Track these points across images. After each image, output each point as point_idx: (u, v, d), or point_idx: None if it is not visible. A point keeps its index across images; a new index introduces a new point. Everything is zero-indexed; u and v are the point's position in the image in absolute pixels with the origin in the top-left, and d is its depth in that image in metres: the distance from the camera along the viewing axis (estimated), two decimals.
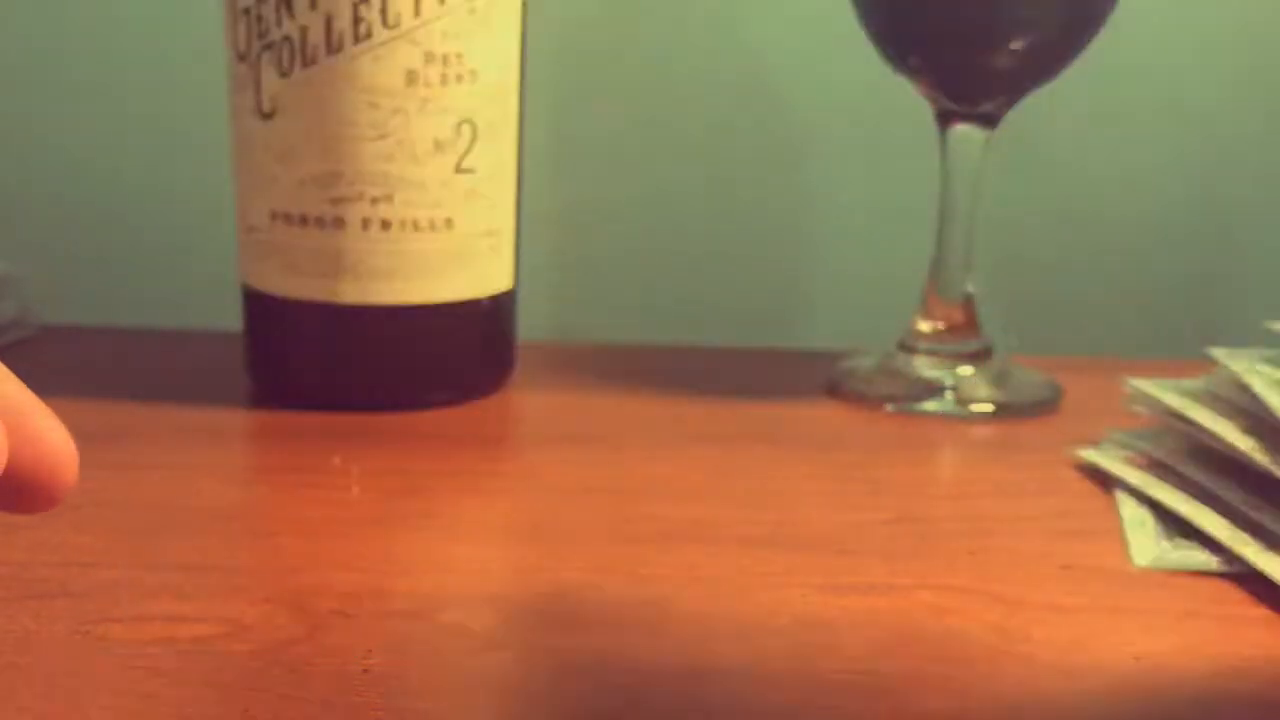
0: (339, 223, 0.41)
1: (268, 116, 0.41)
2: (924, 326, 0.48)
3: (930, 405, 0.46)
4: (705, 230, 0.60)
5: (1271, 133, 0.59)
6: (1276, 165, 0.59)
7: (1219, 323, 0.61)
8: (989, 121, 0.46)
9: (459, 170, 0.42)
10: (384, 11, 0.40)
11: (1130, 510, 0.36)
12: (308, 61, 0.40)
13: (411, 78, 0.40)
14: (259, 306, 0.44)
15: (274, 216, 0.42)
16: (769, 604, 0.30)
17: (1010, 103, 0.45)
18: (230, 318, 0.58)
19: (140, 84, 0.57)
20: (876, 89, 0.57)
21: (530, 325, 0.59)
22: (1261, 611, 0.31)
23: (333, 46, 0.40)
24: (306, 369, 0.44)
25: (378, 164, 0.41)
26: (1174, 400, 0.38)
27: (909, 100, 0.49)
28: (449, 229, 0.42)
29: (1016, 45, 0.43)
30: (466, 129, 0.42)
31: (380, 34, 0.40)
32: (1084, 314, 0.61)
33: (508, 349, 0.47)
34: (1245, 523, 0.33)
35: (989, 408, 0.46)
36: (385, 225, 0.41)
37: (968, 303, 0.48)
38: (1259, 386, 0.34)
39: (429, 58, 0.40)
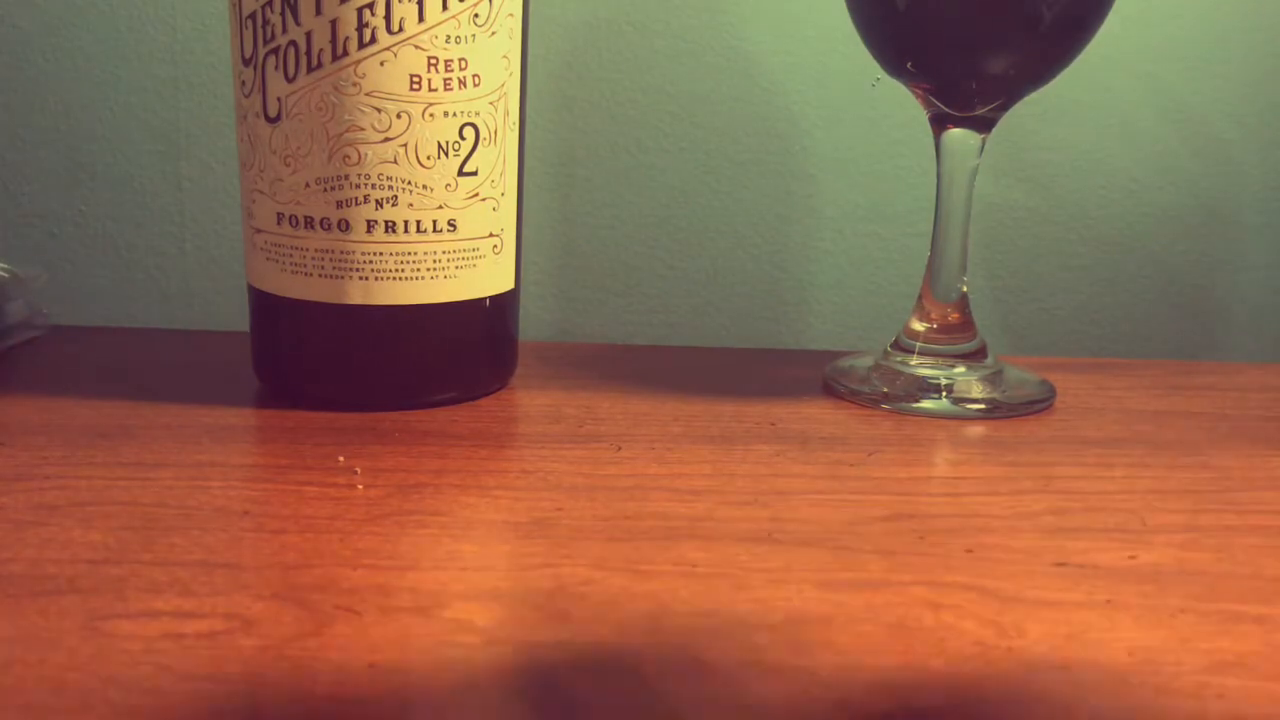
0: (344, 225, 0.42)
1: (274, 120, 0.42)
2: (919, 326, 0.48)
3: (926, 404, 0.46)
4: (704, 231, 0.60)
5: (1268, 134, 0.59)
6: (1273, 166, 0.60)
7: (1213, 325, 0.61)
8: (984, 125, 0.46)
9: (462, 173, 0.42)
10: (388, 17, 0.40)
11: None
12: (313, 66, 0.41)
13: (416, 82, 0.41)
14: (265, 307, 0.44)
15: (280, 218, 0.42)
16: (766, 600, 0.30)
17: (1005, 106, 0.46)
18: (237, 318, 0.58)
19: (148, 86, 0.57)
20: (873, 93, 0.58)
21: (532, 325, 0.59)
22: (1253, 607, 0.31)
23: (338, 52, 0.40)
24: (312, 369, 0.44)
25: (383, 167, 0.41)
26: None
27: (905, 103, 0.49)
28: (452, 231, 0.43)
29: (1011, 50, 0.43)
30: (470, 132, 0.42)
31: (385, 39, 0.40)
32: (1078, 315, 0.61)
33: (510, 349, 0.47)
34: None
35: (983, 406, 0.46)
36: (390, 227, 0.42)
37: (962, 303, 0.48)
38: None
39: (433, 63, 0.41)
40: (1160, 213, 0.60)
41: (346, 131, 0.41)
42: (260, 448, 0.40)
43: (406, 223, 0.42)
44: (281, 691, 0.25)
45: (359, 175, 0.41)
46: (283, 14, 0.40)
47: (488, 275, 0.44)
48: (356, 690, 0.25)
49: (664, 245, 0.60)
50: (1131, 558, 0.34)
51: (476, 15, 0.41)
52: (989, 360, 0.48)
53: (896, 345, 0.49)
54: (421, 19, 0.40)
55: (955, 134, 0.46)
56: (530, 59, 0.45)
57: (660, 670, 0.27)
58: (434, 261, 0.42)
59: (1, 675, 0.26)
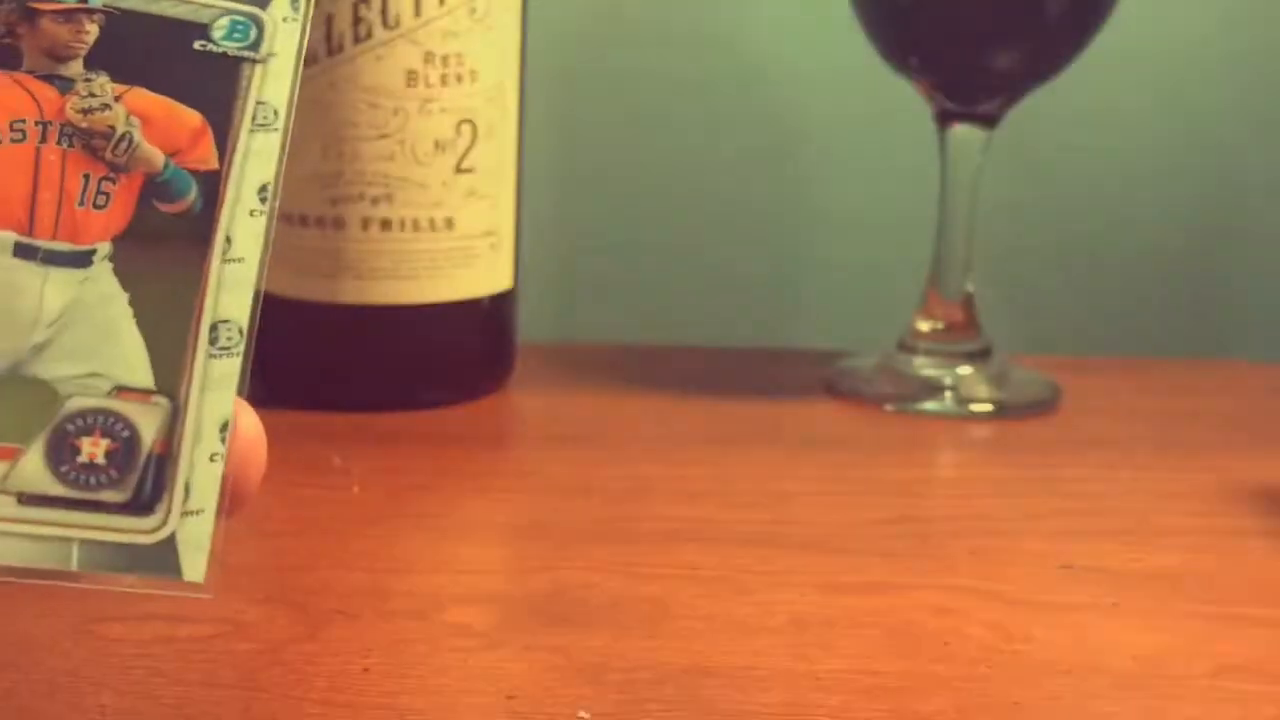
0: (339, 222, 0.41)
1: None
2: (924, 326, 0.48)
3: (930, 405, 0.46)
4: (705, 230, 0.60)
5: (1271, 132, 0.59)
6: (1276, 165, 0.59)
7: (1218, 323, 0.61)
8: (989, 121, 0.46)
9: (459, 170, 0.42)
10: (384, 12, 0.40)
11: None
12: (308, 61, 0.40)
13: (412, 78, 0.40)
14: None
15: None
16: (768, 603, 0.30)
17: (1010, 103, 0.45)
18: None
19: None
20: (876, 89, 0.57)
21: (530, 325, 0.59)
22: (1261, 610, 0.31)
23: (333, 47, 0.40)
24: (307, 368, 0.44)
25: (378, 164, 0.41)
26: None
27: (909, 100, 0.49)
28: (449, 229, 0.42)
29: (1016, 45, 0.43)
30: (467, 129, 0.42)
31: (380, 34, 0.40)
32: (1082, 314, 0.61)
33: (508, 348, 0.47)
34: None
35: (988, 407, 0.46)
36: (385, 225, 0.41)
37: (967, 302, 0.48)
38: None
39: (429, 58, 0.40)
40: (1164, 212, 0.60)
41: (341, 128, 0.41)
42: None
43: (402, 220, 0.42)
44: (276, 696, 0.25)
45: (354, 172, 0.41)
46: None
47: (485, 274, 0.44)
48: (351, 694, 0.25)
49: (665, 245, 0.60)
50: (1138, 560, 0.33)
51: (474, 9, 0.41)
52: (994, 360, 0.48)
53: (901, 345, 0.49)
54: (418, 13, 0.40)
55: (960, 131, 0.46)
56: (530, 54, 0.45)
57: (660, 673, 0.27)
58: (430, 260, 0.42)
59: None
